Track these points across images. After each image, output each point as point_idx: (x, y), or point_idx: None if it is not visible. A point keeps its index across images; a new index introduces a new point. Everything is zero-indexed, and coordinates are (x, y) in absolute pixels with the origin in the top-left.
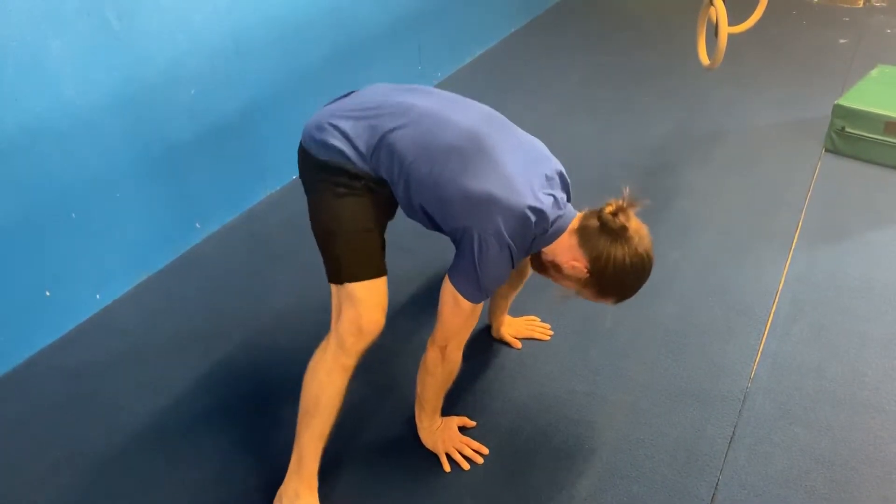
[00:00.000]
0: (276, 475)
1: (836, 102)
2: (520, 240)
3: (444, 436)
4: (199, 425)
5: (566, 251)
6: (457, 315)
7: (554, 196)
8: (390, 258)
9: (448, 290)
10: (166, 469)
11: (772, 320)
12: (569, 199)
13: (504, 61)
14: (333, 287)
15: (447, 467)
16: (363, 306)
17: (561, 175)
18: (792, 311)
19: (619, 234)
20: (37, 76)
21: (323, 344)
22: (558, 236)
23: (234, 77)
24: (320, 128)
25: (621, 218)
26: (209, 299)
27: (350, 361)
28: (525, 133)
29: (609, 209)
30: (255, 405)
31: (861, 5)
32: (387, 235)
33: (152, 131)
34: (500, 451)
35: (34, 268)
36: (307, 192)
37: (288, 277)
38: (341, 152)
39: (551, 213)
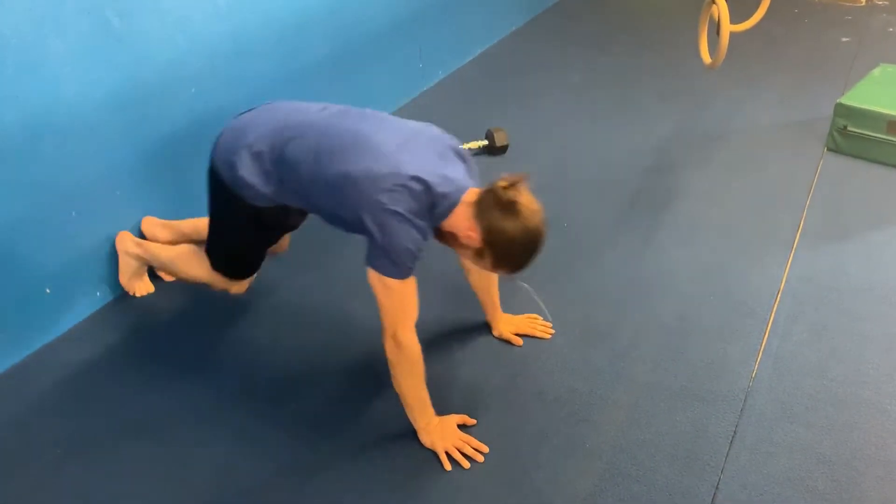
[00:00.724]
0: (278, 472)
1: (838, 101)
2: (414, 209)
3: (444, 434)
4: (201, 423)
5: (463, 222)
6: (389, 297)
7: (445, 171)
8: None
9: (372, 276)
10: (167, 466)
11: (773, 320)
12: (469, 174)
13: (505, 60)
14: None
15: (447, 466)
16: (228, 290)
17: (456, 151)
18: (793, 311)
19: (509, 207)
20: (37, 75)
21: (197, 253)
22: (454, 208)
23: (234, 77)
24: (232, 158)
25: (511, 192)
26: (210, 297)
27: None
28: (413, 122)
29: (503, 183)
30: (256, 399)
31: (863, 4)
32: None
33: (152, 130)
34: (501, 449)
35: (34, 265)
36: (211, 198)
37: (287, 274)
38: (251, 186)
39: (439, 185)
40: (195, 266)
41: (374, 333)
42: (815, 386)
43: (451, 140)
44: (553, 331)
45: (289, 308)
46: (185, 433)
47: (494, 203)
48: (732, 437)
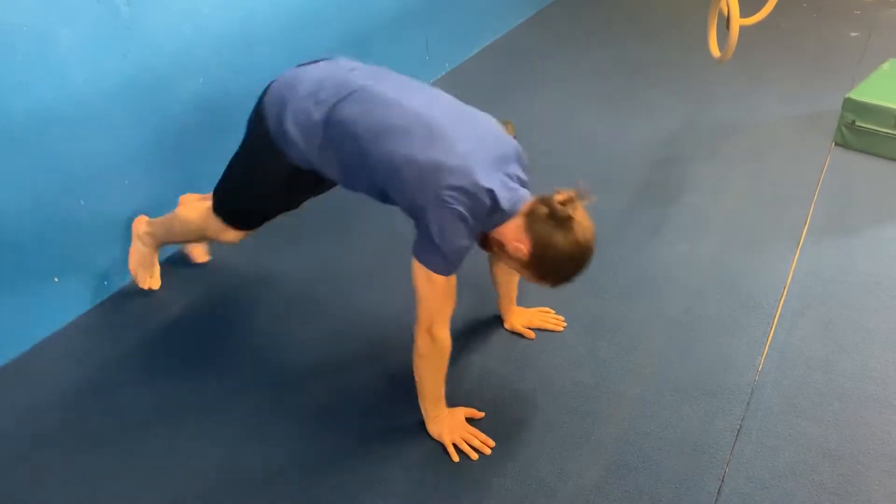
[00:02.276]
0: (284, 464)
1: (846, 96)
2: (473, 213)
3: (452, 426)
4: (207, 414)
5: (512, 232)
6: (432, 291)
7: (507, 178)
8: (395, 250)
9: (418, 269)
10: (175, 454)
11: (780, 314)
12: (526, 182)
13: (512, 52)
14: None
15: (455, 457)
16: (220, 237)
17: (518, 156)
18: (800, 306)
19: (564, 223)
20: (45, 63)
21: (196, 201)
22: (511, 217)
23: (242, 66)
24: (280, 110)
25: (569, 208)
26: (218, 285)
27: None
28: (480, 113)
29: (559, 198)
30: (264, 390)
31: None
32: (397, 223)
33: (161, 119)
34: (508, 441)
35: (43, 254)
36: (246, 139)
37: (297, 263)
38: (293, 144)
39: (503, 195)
40: (192, 211)
41: (379, 325)
42: (822, 380)
43: (514, 144)
44: (565, 323)
45: (294, 300)
46: (191, 424)
47: (549, 217)
48: (738, 430)
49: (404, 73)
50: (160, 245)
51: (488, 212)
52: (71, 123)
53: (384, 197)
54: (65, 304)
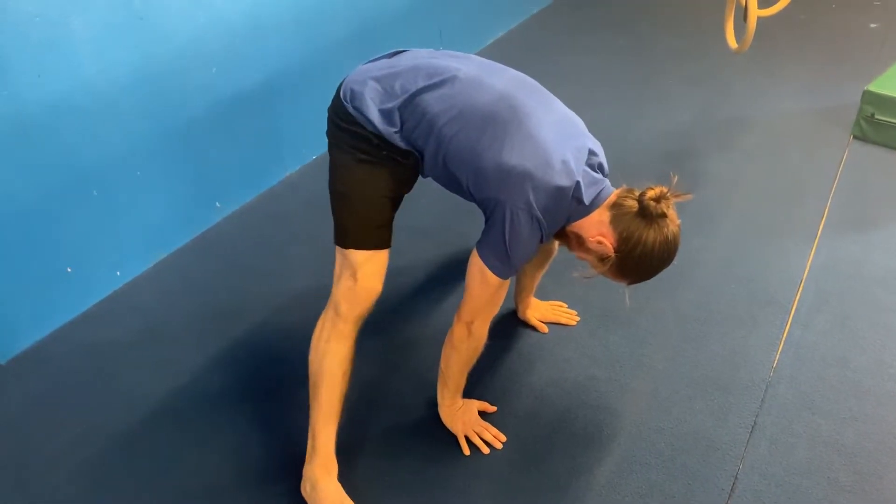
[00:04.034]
0: (292, 454)
1: (865, 88)
2: (552, 215)
3: (465, 418)
4: (217, 404)
5: (594, 226)
6: (484, 290)
7: (590, 169)
8: (410, 242)
9: (475, 264)
10: (183, 447)
11: (795, 310)
12: (607, 171)
13: (525, 42)
14: (338, 250)
15: (466, 451)
16: (361, 273)
17: (596, 144)
18: (816, 301)
19: (655, 219)
20: (59, 53)
21: (322, 314)
22: (592, 210)
23: (253, 57)
24: (357, 89)
25: (663, 205)
26: (228, 279)
27: (347, 327)
28: (562, 104)
29: (652, 193)
30: (272, 384)
31: None
32: (407, 219)
33: (173, 110)
34: (519, 435)
35: (56, 244)
36: (330, 146)
37: (306, 258)
38: (370, 120)
39: (587, 189)
40: (318, 335)
41: (388, 320)
42: (838, 376)
43: (594, 139)
44: (578, 318)
45: (307, 292)
46: (201, 416)
47: (639, 213)
48: (752, 426)
49: None
50: (330, 434)
51: (569, 209)
52: (83, 114)
53: (464, 194)
54: (77, 295)
